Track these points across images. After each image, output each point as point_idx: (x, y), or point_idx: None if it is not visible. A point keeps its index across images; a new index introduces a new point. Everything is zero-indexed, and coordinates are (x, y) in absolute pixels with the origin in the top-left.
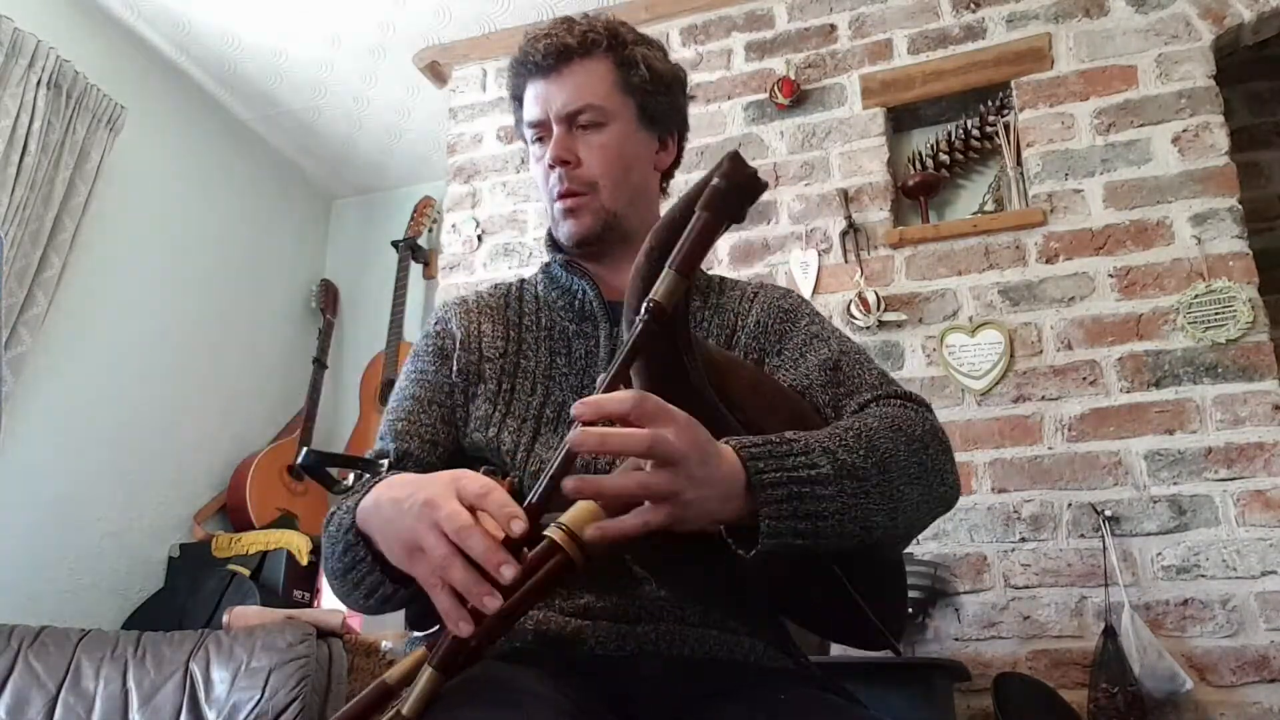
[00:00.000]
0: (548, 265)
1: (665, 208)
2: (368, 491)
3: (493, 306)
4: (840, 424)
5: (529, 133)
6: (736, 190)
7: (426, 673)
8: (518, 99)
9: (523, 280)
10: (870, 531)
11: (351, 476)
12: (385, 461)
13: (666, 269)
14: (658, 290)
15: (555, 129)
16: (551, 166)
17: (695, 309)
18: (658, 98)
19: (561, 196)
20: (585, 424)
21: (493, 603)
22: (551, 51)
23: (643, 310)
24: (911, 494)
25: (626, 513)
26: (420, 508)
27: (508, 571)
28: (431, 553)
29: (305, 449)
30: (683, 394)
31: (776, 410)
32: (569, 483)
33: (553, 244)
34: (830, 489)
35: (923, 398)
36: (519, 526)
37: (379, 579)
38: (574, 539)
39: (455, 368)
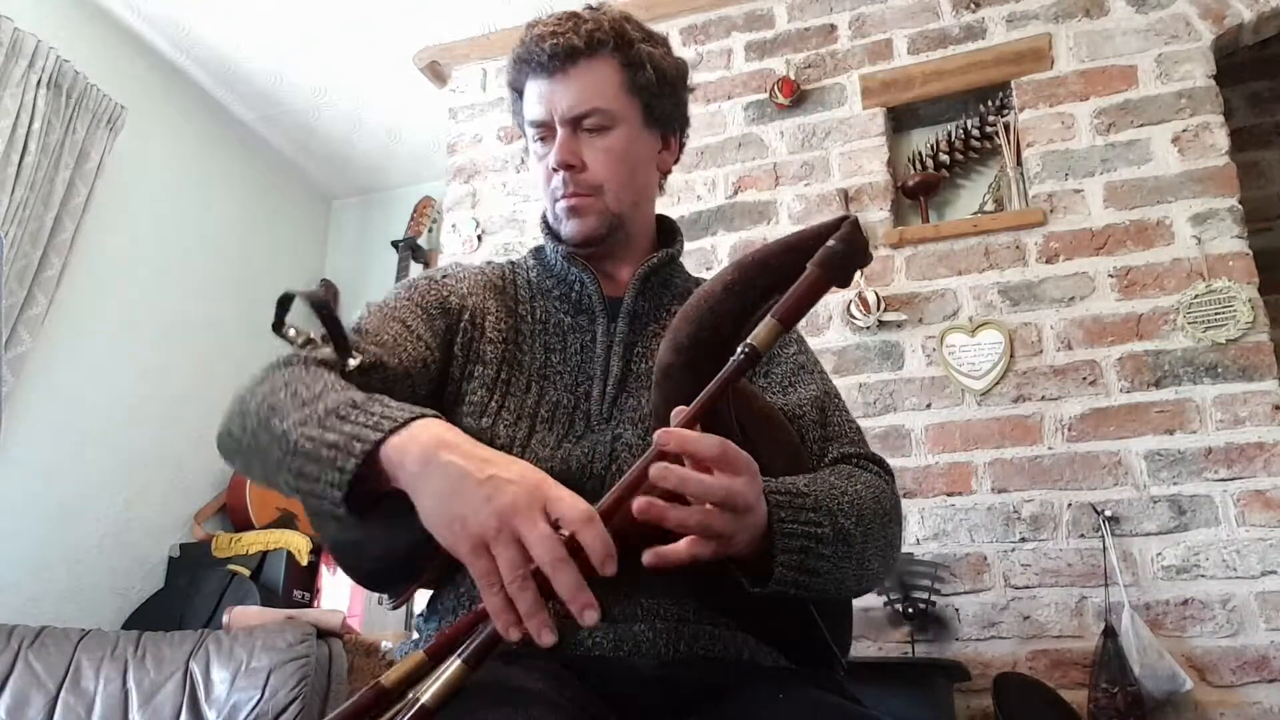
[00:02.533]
0: (540, 251)
1: (661, 205)
2: (404, 425)
3: (496, 286)
4: (834, 483)
5: (531, 131)
6: (852, 255)
7: (454, 665)
8: (518, 91)
9: (513, 263)
10: (839, 592)
11: (292, 331)
12: (355, 361)
13: (770, 317)
14: (758, 335)
15: (559, 131)
16: (555, 170)
17: None
18: (663, 99)
19: (565, 197)
20: (663, 454)
21: (549, 638)
22: (558, 53)
23: (739, 352)
24: (874, 564)
25: (641, 530)
26: (506, 509)
27: (591, 616)
28: (506, 568)
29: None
30: (711, 419)
31: (778, 443)
32: (640, 503)
33: (550, 233)
34: (828, 549)
35: (887, 462)
36: (611, 569)
37: (342, 522)
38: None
39: (459, 340)
